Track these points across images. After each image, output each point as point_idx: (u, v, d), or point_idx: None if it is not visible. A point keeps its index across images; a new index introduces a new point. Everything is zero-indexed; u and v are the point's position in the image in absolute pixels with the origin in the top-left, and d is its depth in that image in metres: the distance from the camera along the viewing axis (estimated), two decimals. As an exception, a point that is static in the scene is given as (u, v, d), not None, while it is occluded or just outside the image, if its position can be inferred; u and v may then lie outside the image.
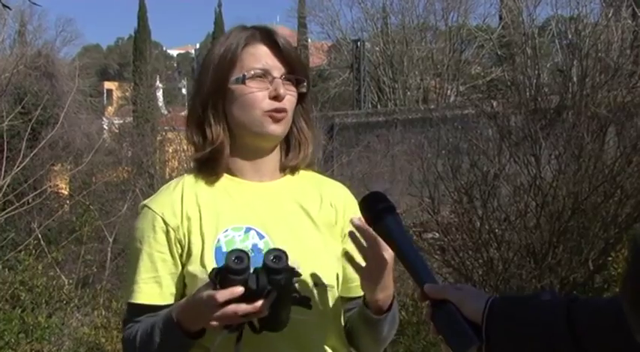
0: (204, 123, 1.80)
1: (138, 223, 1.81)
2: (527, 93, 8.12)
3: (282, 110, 1.78)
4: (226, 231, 1.75)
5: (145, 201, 1.84)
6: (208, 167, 1.81)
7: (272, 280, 1.54)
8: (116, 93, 37.44)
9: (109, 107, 33.09)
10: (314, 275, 1.75)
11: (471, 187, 7.39)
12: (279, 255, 1.56)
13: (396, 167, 14.81)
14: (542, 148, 7.37)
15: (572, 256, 6.82)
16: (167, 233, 1.75)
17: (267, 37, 1.81)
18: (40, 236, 8.75)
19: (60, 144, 13.86)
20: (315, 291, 1.74)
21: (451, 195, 7.64)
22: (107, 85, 40.10)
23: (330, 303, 1.78)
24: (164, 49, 55.55)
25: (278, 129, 1.79)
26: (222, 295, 1.54)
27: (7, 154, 9.57)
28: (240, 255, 1.54)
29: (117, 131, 20.65)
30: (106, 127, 22.16)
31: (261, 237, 1.75)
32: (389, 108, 24.65)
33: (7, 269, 8.28)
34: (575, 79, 8.06)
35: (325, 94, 29.23)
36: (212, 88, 1.80)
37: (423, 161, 8.34)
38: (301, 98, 1.85)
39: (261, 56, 1.80)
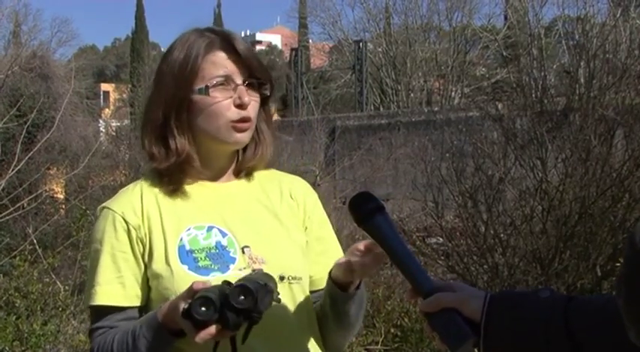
0: (167, 134, 1.78)
1: (97, 225, 1.81)
2: (533, 95, 8.05)
3: (247, 119, 1.80)
4: (188, 229, 1.76)
5: (104, 203, 1.84)
6: (172, 177, 1.80)
7: (246, 316, 1.53)
8: (113, 95, 37.46)
9: (106, 109, 33.09)
10: (280, 269, 1.76)
11: (476, 191, 7.30)
12: (245, 291, 1.50)
13: (399, 170, 14.75)
14: (548, 151, 7.29)
15: (579, 262, 6.72)
16: (128, 232, 1.76)
17: (226, 42, 1.81)
18: (35, 241, 8.63)
19: (56, 148, 13.87)
20: (281, 285, 1.74)
21: (455, 200, 7.56)
22: (104, 86, 40.20)
23: (299, 295, 1.80)
24: (162, 50, 55.46)
25: (244, 138, 1.82)
26: (201, 338, 1.54)
27: (1, 158, 9.52)
28: (204, 302, 1.50)
29: (114, 133, 20.58)
30: (103, 130, 22.13)
31: (223, 234, 1.77)
32: (392, 110, 24.67)
33: (1, 275, 8.21)
34: (582, 80, 7.99)
35: (326, 96, 29.26)
36: (174, 100, 1.78)
37: (426, 164, 8.26)
38: (263, 101, 1.84)
39: (221, 63, 1.80)
